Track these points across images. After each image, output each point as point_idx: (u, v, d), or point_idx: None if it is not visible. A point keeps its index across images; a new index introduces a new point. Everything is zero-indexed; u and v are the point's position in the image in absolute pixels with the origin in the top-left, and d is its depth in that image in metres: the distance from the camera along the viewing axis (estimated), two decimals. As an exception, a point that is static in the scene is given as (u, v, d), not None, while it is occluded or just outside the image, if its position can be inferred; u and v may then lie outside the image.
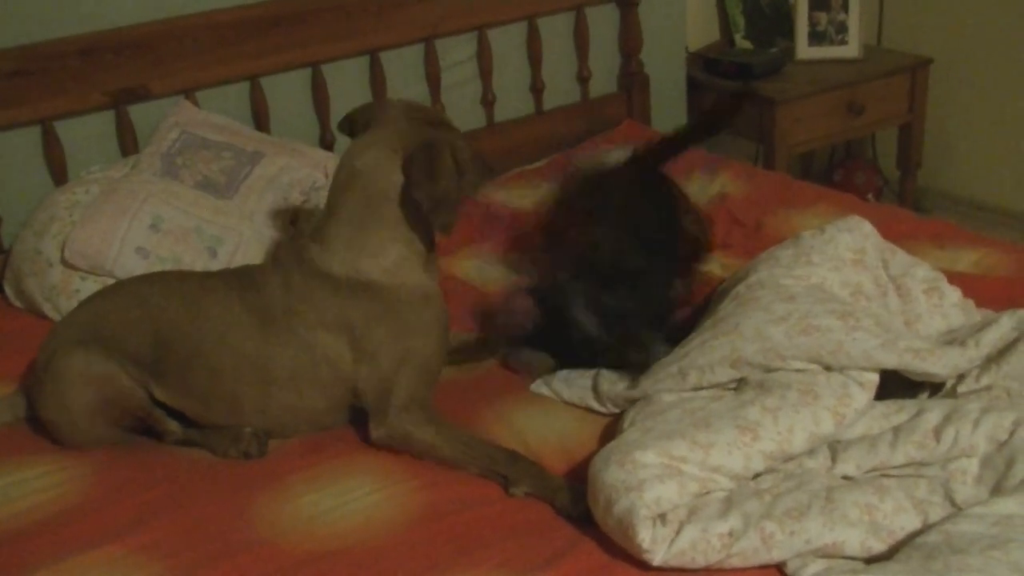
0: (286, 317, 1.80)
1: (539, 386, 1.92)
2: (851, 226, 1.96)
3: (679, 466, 1.51)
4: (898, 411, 1.64)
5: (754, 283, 1.86)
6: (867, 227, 1.97)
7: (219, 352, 1.81)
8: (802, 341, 1.66)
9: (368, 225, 1.81)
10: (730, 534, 1.42)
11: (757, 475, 1.57)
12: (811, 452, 1.60)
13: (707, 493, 1.51)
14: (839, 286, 1.84)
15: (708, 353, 1.72)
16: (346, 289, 1.79)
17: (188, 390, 1.84)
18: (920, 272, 1.92)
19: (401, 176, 1.79)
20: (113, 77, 2.48)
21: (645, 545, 1.42)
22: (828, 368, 1.66)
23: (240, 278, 1.90)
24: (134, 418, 1.84)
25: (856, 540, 1.42)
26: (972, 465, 1.54)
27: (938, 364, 1.66)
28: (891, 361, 1.65)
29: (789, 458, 1.58)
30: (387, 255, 1.81)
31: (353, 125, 1.95)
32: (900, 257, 1.96)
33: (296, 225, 2.35)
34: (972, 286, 1.98)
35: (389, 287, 1.80)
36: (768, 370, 1.67)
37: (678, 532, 1.43)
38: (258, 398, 1.82)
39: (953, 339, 1.76)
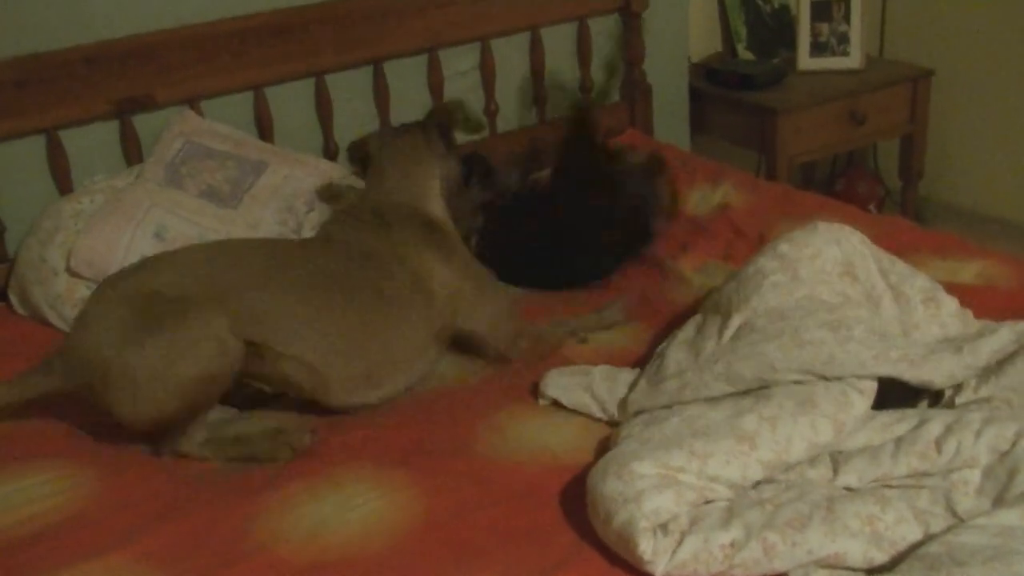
0: (390, 248, 2.01)
1: (543, 396, 1.92)
2: (839, 237, 1.94)
3: (676, 476, 1.52)
4: (899, 421, 1.64)
5: (747, 309, 1.85)
6: (856, 238, 1.95)
7: (326, 294, 1.88)
8: (796, 354, 1.67)
9: (417, 168, 2.19)
10: (732, 544, 1.42)
11: (756, 484, 1.57)
12: (812, 462, 1.60)
13: (706, 502, 1.52)
14: (828, 295, 1.84)
15: (704, 371, 1.73)
16: (420, 217, 2.11)
17: (292, 337, 1.83)
18: (918, 281, 1.93)
19: (427, 141, 2.22)
20: (118, 86, 2.49)
21: (647, 557, 1.42)
22: (824, 379, 1.66)
23: (321, 239, 2.09)
24: (213, 401, 1.80)
25: (858, 551, 1.42)
26: (974, 476, 1.54)
27: (933, 372, 1.67)
28: (886, 371, 1.66)
29: (788, 467, 1.58)
30: (436, 197, 2.18)
31: (363, 154, 2.26)
32: (899, 266, 1.96)
33: (337, 199, 2.48)
34: (974, 297, 1.98)
35: (445, 221, 2.17)
36: (764, 385, 1.68)
37: (680, 543, 1.43)
38: (371, 342, 1.90)
39: (949, 346, 1.76)
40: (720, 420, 1.62)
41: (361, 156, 2.26)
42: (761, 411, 1.61)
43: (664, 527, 1.45)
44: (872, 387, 1.66)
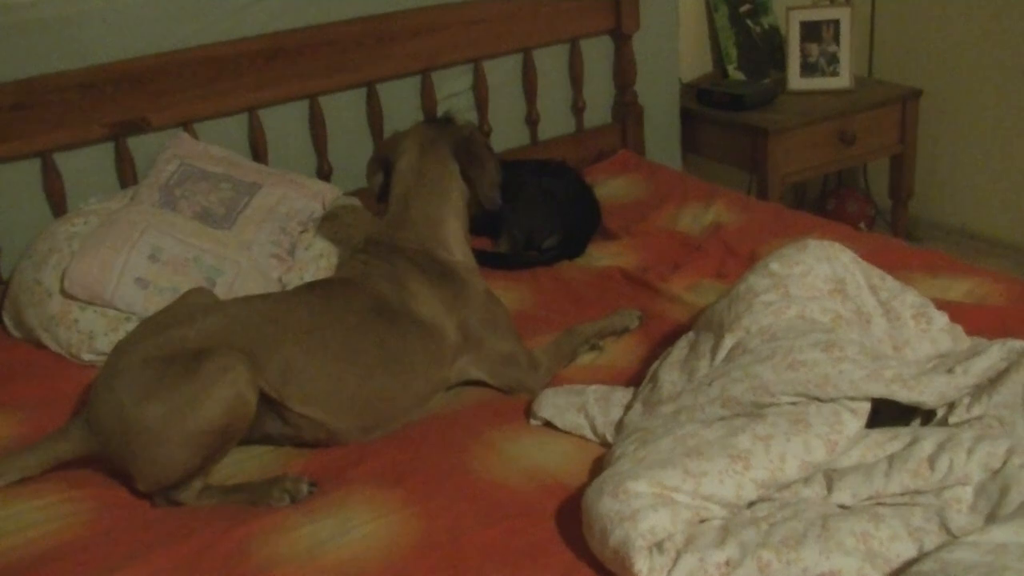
0: (401, 301, 2.01)
1: (535, 417, 1.93)
2: (829, 255, 1.95)
3: (671, 495, 1.53)
4: (892, 439, 1.65)
5: (736, 334, 1.86)
6: (846, 255, 1.96)
7: (344, 354, 1.90)
8: (789, 376, 1.68)
9: (440, 208, 2.13)
10: (727, 563, 1.42)
11: (751, 504, 1.58)
12: (807, 481, 1.61)
13: (702, 521, 1.52)
14: (819, 312, 1.86)
15: (699, 394, 1.75)
16: (436, 266, 2.08)
17: (309, 398, 1.86)
18: (909, 297, 1.94)
19: (454, 166, 2.15)
20: (112, 110, 2.50)
21: (643, 575, 1.43)
22: (818, 400, 1.67)
23: (336, 284, 2.09)
24: (225, 453, 1.81)
25: (852, 568, 1.42)
26: (966, 493, 1.55)
27: (926, 393, 1.68)
28: (879, 391, 1.66)
29: (782, 486, 1.59)
30: (456, 236, 2.14)
31: (387, 153, 2.22)
32: (889, 282, 1.97)
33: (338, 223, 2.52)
34: (964, 315, 1.99)
35: (461, 263, 2.13)
36: (759, 406, 1.69)
37: (675, 561, 1.43)
38: (379, 400, 1.93)
39: (941, 366, 1.78)
40: (713, 439, 1.62)
41: (384, 167, 2.21)
42: (755, 430, 1.62)
43: (660, 545, 1.45)
44: (865, 407, 1.67)
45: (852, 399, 1.66)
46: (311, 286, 2.13)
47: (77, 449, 1.81)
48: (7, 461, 1.81)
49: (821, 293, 1.89)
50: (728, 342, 1.85)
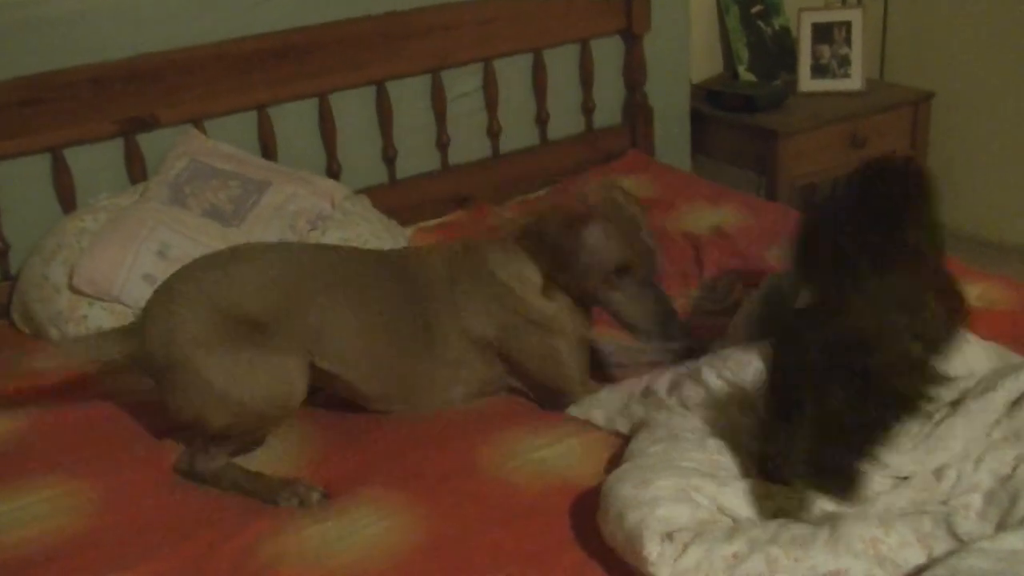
0: (449, 305, 1.95)
1: (573, 409, 1.93)
2: None
3: (692, 494, 1.53)
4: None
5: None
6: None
7: (382, 335, 1.91)
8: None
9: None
10: (735, 556, 1.42)
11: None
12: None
13: (715, 523, 1.52)
14: None
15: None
16: (507, 297, 1.96)
17: (338, 357, 1.89)
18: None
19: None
20: (122, 106, 2.50)
21: (652, 558, 1.43)
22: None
23: (398, 260, 2.04)
24: (261, 436, 1.86)
25: (860, 570, 1.41)
26: (976, 500, 1.53)
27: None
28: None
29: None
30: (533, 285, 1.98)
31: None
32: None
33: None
34: (975, 321, 1.97)
35: (536, 307, 1.97)
36: None
37: (684, 551, 1.43)
38: (408, 363, 1.94)
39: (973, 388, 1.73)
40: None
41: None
42: None
43: (671, 535, 1.45)
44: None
45: None
46: (364, 252, 2.11)
47: (134, 352, 1.85)
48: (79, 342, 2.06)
49: None
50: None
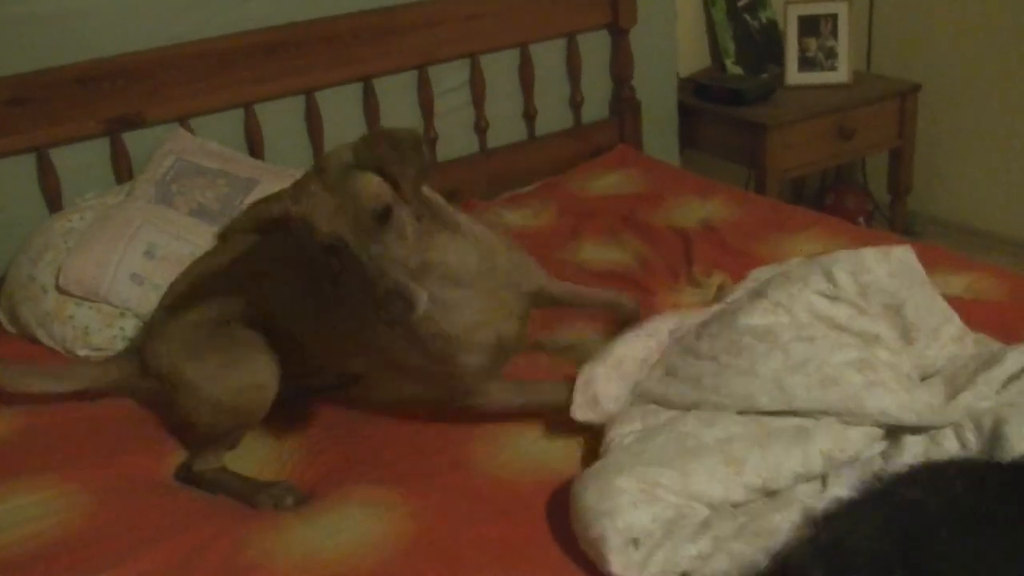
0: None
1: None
2: (903, 270, 1.88)
3: (656, 491, 1.53)
4: (884, 436, 1.65)
5: (774, 311, 1.82)
6: (917, 276, 1.89)
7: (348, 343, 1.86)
8: (819, 395, 1.65)
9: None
10: (699, 556, 1.43)
11: (737, 504, 1.57)
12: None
13: (683, 518, 1.52)
14: (852, 335, 1.80)
15: (721, 391, 1.70)
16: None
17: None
18: (955, 322, 1.89)
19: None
20: (108, 105, 2.49)
21: (616, 571, 1.44)
22: (844, 421, 1.64)
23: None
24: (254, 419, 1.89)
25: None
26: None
27: (955, 416, 1.64)
28: (910, 419, 1.63)
29: (770, 493, 1.58)
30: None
31: None
32: (939, 303, 1.92)
33: None
34: (963, 311, 1.98)
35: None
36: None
37: (649, 556, 1.44)
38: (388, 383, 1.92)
39: (961, 380, 1.74)
40: (712, 443, 1.61)
41: None
42: (755, 435, 1.61)
43: (636, 541, 1.46)
44: (878, 430, 1.65)
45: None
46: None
47: (137, 374, 2.00)
48: (69, 369, 2.10)
49: (871, 312, 1.83)
50: (760, 319, 1.80)
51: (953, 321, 1.89)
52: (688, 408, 1.72)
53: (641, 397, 1.79)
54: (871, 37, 3.74)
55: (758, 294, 1.89)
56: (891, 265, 1.88)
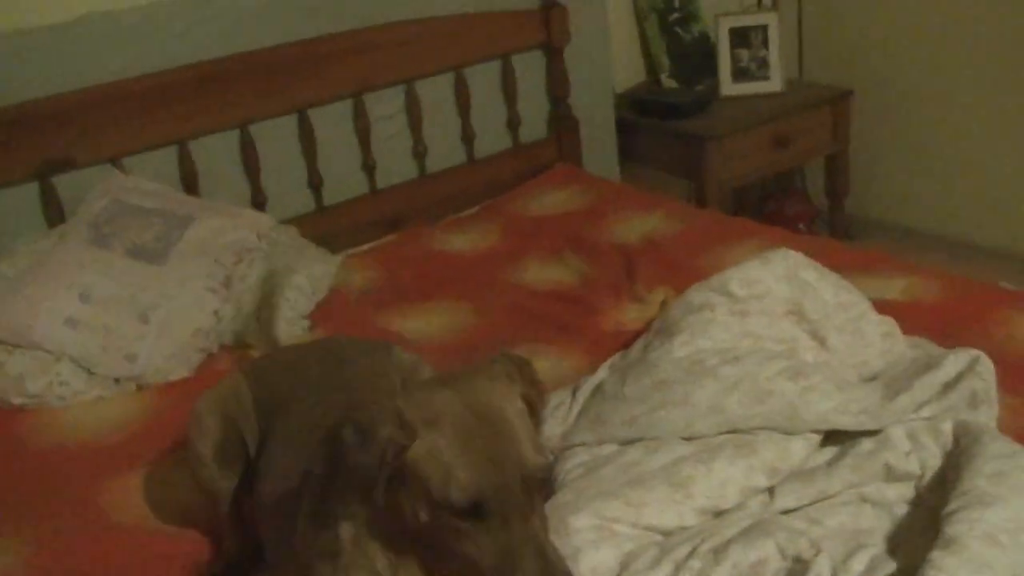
0: None
1: None
2: (789, 273, 1.92)
3: (612, 527, 1.51)
4: (830, 446, 1.66)
5: (692, 342, 1.84)
6: (810, 273, 1.93)
7: None
8: (758, 411, 1.66)
9: None
10: None
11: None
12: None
13: (642, 549, 1.51)
14: (778, 335, 1.84)
15: (658, 426, 1.70)
16: None
17: None
18: (873, 316, 1.93)
19: None
20: (36, 149, 2.44)
21: None
22: (785, 432, 1.65)
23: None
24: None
25: (773, 548, 1.41)
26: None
27: (891, 419, 1.65)
28: (847, 423, 1.64)
29: (720, 513, 1.57)
30: None
31: None
32: (855, 296, 1.95)
33: None
34: (901, 314, 2.00)
35: None
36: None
37: None
38: None
39: (898, 383, 1.76)
40: (657, 469, 1.60)
41: None
42: (699, 455, 1.60)
43: None
44: (817, 436, 1.65)
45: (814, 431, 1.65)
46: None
47: None
48: None
49: (778, 316, 1.87)
50: (678, 351, 1.83)
51: (867, 317, 1.91)
52: (628, 443, 1.72)
53: (572, 443, 1.78)
54: (802, 46, 3.79)
55: (670, 331, 1.90)
56: (774, 270, 1.91)
